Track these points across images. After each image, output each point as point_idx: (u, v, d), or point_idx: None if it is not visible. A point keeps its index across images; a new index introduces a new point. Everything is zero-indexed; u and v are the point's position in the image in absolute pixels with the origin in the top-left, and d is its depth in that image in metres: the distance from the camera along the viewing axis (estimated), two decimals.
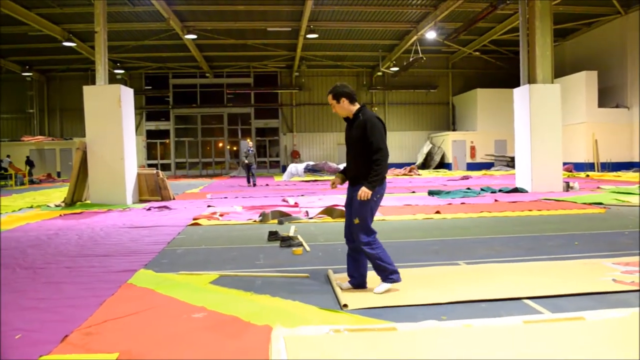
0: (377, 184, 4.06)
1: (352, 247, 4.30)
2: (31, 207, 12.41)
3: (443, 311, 3.67)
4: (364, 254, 4.17)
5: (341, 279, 4.48)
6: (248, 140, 34.20)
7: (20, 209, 11.85)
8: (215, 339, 3.21)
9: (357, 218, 4.13)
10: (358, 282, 4.27)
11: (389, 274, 4.13)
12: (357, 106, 4.26)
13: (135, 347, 3.08)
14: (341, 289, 4.20)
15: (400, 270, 4.95)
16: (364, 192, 4.03)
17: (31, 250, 6.51)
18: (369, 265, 4.26)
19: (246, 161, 19.23)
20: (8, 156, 26.08)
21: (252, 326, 3.39)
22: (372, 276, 4.29)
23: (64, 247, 6.67)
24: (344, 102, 4.24)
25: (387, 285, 4.13)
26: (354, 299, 3.96)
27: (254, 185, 19.31)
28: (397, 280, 4.13)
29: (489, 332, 3.21)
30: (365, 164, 4.10)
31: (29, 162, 26.80)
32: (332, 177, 4.39)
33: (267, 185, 20.22)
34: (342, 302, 3.83)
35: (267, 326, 3.35)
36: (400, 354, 2.90)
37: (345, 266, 4.38)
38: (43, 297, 4.25)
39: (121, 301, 4.11)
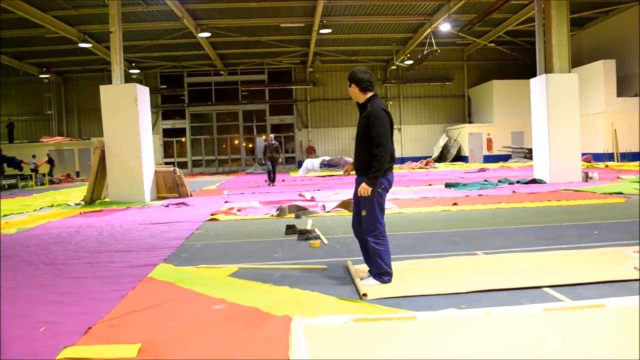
0: (377, 180, 4.04)
1: (360, 238, 4.33)
2: (52, 206, 12.59)
3: (462, 300, 3.67)
4: (368, 246, 4.17)
5: (360, 270, 4.49)
6: (264, 137, 34.39)
7: (41, 208, 12.03)
8: (236, 329, 3.24)
9: (365, 210, 4.15)
10: None
11: (382, 274, 4.13)
12: (368, 95, 4.21)
13: (158, 338, 3.13)
14: (361, 279, 4.21)
15: (418, 260, 4.98)
16: (364, 189, 4.05)
17: (53, 247, 6.61)
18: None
19: (268, 155, 17.22)
20: (34, 156, 26.59)
21: (271, 317, 3.42)
22: (395, 268, 4.27)
23: (85, 244, 6.76)
24: (354, 87, 4.22)
25: (375, 282, 4.12)
26: (373, 288, 3.97)
27: (273, 183, 17.56)
28: (387, 282, 4.12)
29: (509, 320, 3.20)
30: (366, 156, 4.10)
31: (50, 161, 27.27)
32: None
33: (283, 180, 20.26)
34: (362, 292, 3.84)
35: (286, 316, 3.38)
36: (420, 342, 2.91)
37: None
38: (66, 292, 4.33)
39: (142, 294, 4.16)
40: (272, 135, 18.38)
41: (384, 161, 4.00)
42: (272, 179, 17.60)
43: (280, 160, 17.77)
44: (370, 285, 4.05)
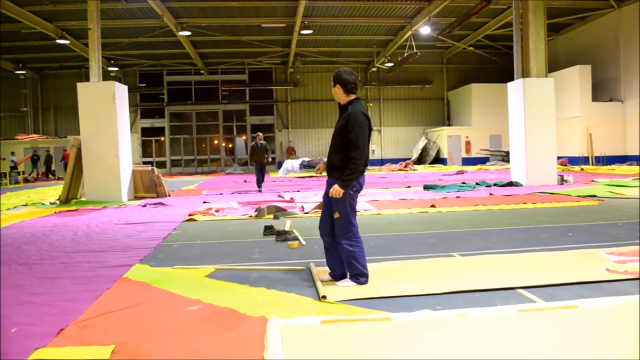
0: (350, 183, 4.03)
1: (326, 239, 4.30)
2: (26, 204, 12.37)
3: (438, 301, 3.69)
4: (342, 248, 4.17)
5: (322, 271, 4.50)
6: (243, 137, 34.21)
7: (15, 207, 11.81)
8: (211, 330, 3.22)
9: (337, 212, 4.13)
10: (338, 274, 4.27)
11: (358, 275, 4.13)
12: (351, 97, 4.19)
13: (131, 339, 3.09)
14: (322, 281, 4.21)
15: (394, 262, 5.01)
16: (335, 190, 4.03)
17: (26, 246, 6.49)
18: None
19: (255, 158, 15.09)
20: (12, 153, 26.16)
21: (247, 318, 3.40)
22: (370, 269, 4.29)
23: (59, 244, 6.66)
24: (338, 88, 4.19)
25: (351, 283, 4.13)
26: (336, 290, 3.99)
27: (259, 188, 15.10)
28: (364, 283, 4.13)
29: (484, 321, 3.23)
30: (340, 158, 4.08)
31: (35, 158, 26.94)
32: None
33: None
34: (321, 294, 3.85)
35: (262, 317, 3.37)
36: (395, 343, 2.92)
37: None
38: (39, 292, 4.25)
39: (117, 295, 4.11)
40: (260, 134, 15.93)
41: (358, 165, 4.00)
42: (259, 184, 15.19)
43: (267, 160, 15.37)
44: (332, 287, 4.05)
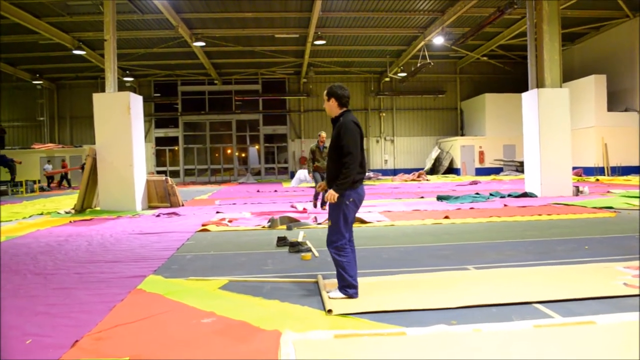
0: (345, 188, 4.08)
1: None
2: (41, 214, 12.49)
3: (453, 316, 3.65)
4: (331, 257, 4.19)
5: (330, 284, 4.48)
6: (257, 147, 34.26)
7: (30, 216, 11.93)
8: (225, 343, 3.22)
9: (330, 220, 4.19)
10: None
11: (346, 286, 4.11)
12: (342, 110, 4.34)
13: (145, 352, 3.09)
14: (328, 294, 4.18)
15: (408, 274, 4.97)
16: (331, 195, 4.09)
17: (41, 256, 6.55)
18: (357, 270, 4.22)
19: (318, 164, 11.76)
20: (49, 161, 26.45)
21: (261, 331, 3.40)
22: (365, 283, 4.26)
23: (74, 253, 6.70)
24: (333, 102, 4.34)
25: (340, 294, 4.11)
26: (341, 303, 3.97)
27: (322, 204, 11.74)
28: (353, 296, 4.09)
29: (499, 337, 3.19)
30: (337, 167, 4.14)
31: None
32: None
33: (275, 191, 20.24)
34: (327, 308, 3.83)
35: (276, 331, 3.36)
36: (410, 358, 2.90)
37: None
38: (53, 303, 4.28)
39: (131, 306, 4.12)
40: (323, 134, 11.91)
41: (352, 169, 4.06)
42: (319, 197, 11.90)
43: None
44: (337, 299, 4.04)
